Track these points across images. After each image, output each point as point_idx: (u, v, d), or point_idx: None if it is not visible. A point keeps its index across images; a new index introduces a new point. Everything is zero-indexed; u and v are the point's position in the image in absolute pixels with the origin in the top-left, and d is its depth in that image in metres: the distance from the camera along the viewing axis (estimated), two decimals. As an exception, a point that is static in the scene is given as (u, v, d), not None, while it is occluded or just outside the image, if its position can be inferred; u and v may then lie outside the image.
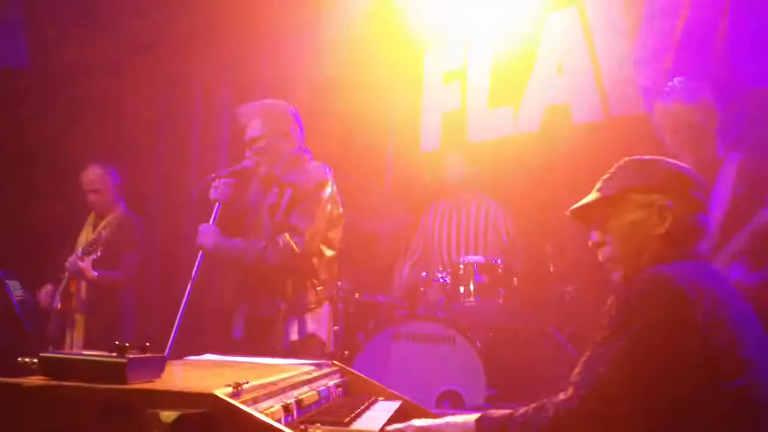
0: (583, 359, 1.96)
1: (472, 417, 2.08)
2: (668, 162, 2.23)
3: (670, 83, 4.01)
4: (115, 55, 6.46)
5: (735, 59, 4.91)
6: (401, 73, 6.66)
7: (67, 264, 5.16)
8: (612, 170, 2.26)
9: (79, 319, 5.21)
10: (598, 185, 2.26)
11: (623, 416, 1.86)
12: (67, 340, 5.19)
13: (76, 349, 4.99)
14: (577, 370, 1.96)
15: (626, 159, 2.27)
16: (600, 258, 2.24)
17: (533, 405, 1.98)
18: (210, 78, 6.73)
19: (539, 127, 5.93)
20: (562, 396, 1.93)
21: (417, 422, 2.14)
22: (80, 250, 5.15)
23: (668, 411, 1.86)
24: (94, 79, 6.47)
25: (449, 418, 2.13)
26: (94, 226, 5.47)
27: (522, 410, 2.00)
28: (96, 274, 5.13)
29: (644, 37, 5.43)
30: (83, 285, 5.24)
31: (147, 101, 6.64)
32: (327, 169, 4.06)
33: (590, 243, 2.26)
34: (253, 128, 4.11)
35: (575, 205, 2.29)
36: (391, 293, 5.69)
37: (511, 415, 2.00)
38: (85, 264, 5.07)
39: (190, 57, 6.67)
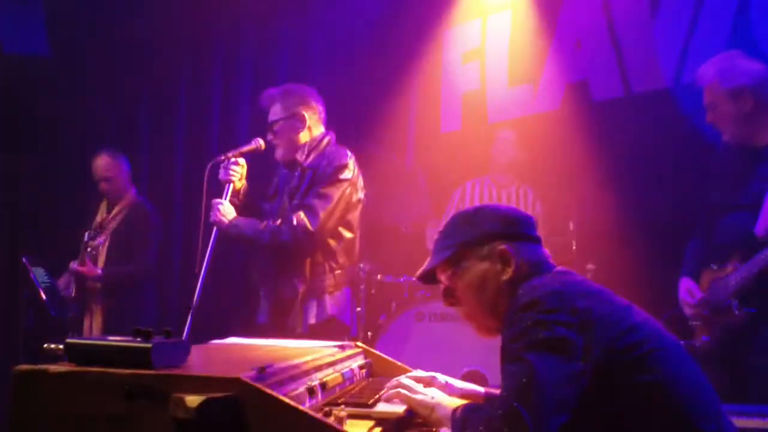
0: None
1: (456, 404, 2.09)
2: (492, 207, 2.29)
3: (716, 59, 3.92)
4: (134, 42, 6.48)
5: (757, 30, 4.85)
6: (420, 53, 6.63)
7: (70, 269, 5.22)
8: (442, 229, 2.27)
9: (97, 305, 5.24)
10: (434, 246, 2.28)
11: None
12: (86, 326, 5.22)
13: (95, 335, 5.02)
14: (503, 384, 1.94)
15: (453, 214, 2.30)
16: (461, 314, 2.28)
17: (487, 404, 2.00)
18: (231, 61, 6.74)
19: (560, 105, 5.90)
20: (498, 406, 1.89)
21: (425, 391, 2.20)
22: (86, 235, 5.19)
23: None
24: (113, 66, 6.50)
25: (444, 398, 2.17)
26: (108, 213, 5.48)
27: (479, 409, 1.99)
28: (100, 272, 5.18)
29: (664, 9, 5.37)
30: None
31: (166, 87, 6.66)
32: (348, 153, 4.05)
33: (444, 303, 2.30)
34: (273, 112, 4.13)
35: (418, 273, 2.33)
36: None
37: (476, 408, 2.01)
38: (86, 269, 5.12)
39: (210, 42, 6.68)
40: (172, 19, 6.42)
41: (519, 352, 1.88)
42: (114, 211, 5.44)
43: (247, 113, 6.60)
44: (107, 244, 5.31)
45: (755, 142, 3.77)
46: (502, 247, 2.13)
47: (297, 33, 6.74)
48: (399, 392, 2.20)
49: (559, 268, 2.18)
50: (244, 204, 4.08)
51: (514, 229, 2.19)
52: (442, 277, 2.26)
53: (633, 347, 1.89)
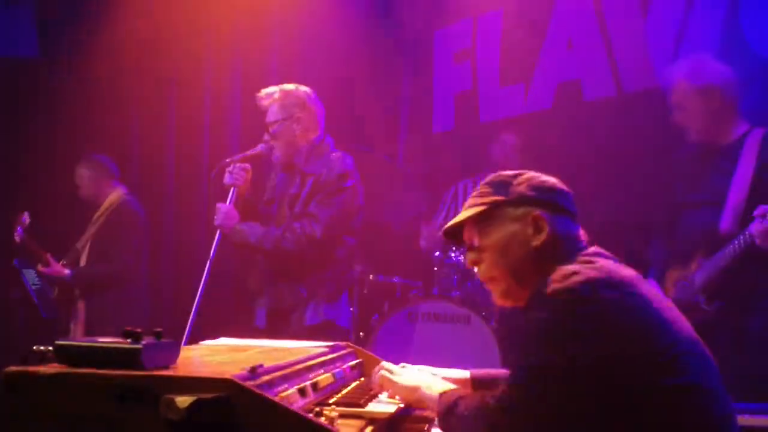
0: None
1: (439, 389, 2.10)
2: (535, 174, 2.16)
3: (685, 60, 4.00)
4: (124, 42, 6.46)
5: (747, 30, 4.86)
6: (413, 53, 6.63)
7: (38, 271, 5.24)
8: (480, 186, 2.19)
9: (80, 307, 5.22)
10: (468, 202, 2.18)
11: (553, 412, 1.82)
12: (71, 328, 5.20)
13: (78, 336, 5.01)
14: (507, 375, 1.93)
15: (493, 174, 2.20)
16: (479, 277, 2.19)
17: (485, 393, 1.95)
18: (221, 61, 6.73)
19: (551, 104, 5.89)
20: (500, 394, 1.87)
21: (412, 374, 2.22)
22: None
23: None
24: (103, 67, 6.48)
25: (431, 384, 2.16)
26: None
27: (473, 396, 1.98)
28: (68, 272, 5.17)
29: (655, 8, 5.38)
30: None
31: (156, 87, 6.65)
32: (349, 160, 4.04)
33: (467, 262, 2.21)
34: (271, 112, 4.12)
35: (448, 224, 2.23)
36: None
37: (462, 397, 2.00)
38: (51, 270, 5.12)
39: (200, 41, 6.66)
40: (164, 20, 6.40)
41: (530, 359, 1.84)
42: (99, 212, 5.42)
43: (238, 113, 6.59)
44: (89, 243, 5.30)
45: (718, 140, 3.89)
46: (538, 212, 2.05)
47: (288, 32, 6.73)
48: (381, 375, 2.21)
49: (592, 249, 2.06)
50: (248, 208, 4.08)
51: (553, 198, 2.10)
52: (469, 234, 2.17)
53: (665, 349, 1.83)
